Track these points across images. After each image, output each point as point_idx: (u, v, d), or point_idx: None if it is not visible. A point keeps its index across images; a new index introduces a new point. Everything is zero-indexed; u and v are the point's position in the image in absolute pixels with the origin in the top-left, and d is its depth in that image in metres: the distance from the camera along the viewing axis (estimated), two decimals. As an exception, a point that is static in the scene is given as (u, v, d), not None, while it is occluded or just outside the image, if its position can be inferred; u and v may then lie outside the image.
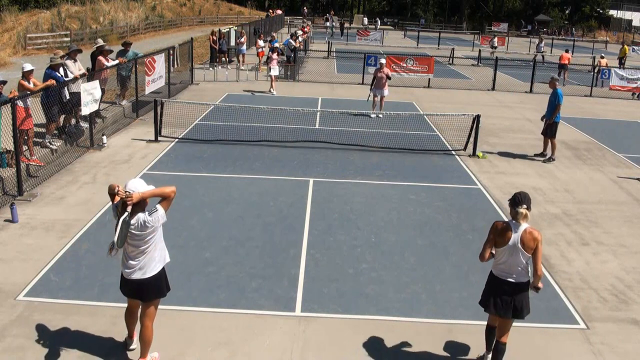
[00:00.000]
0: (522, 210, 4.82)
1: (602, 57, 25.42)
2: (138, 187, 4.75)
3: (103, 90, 13.70)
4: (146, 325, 4.99)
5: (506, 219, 8.90)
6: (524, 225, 4.86)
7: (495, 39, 37.46)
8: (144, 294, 4.93)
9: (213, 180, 10.16)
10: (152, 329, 5.02)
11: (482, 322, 6.03)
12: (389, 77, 15.94)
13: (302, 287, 6.60)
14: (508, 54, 37.32)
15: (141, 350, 5.07)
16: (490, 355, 5.29)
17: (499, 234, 4.92)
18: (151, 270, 4.87)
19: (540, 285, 4.94)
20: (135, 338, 5.31)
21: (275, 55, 19.33)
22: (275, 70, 19.29)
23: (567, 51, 25.91)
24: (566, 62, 25.10)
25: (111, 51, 13.88)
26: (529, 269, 4.96)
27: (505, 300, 4.94)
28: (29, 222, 8.03)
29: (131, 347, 5.32)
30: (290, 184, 10.11)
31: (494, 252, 5.03)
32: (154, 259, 4.88)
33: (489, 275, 5.17)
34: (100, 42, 13.87)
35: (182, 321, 5.79)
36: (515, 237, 4.83)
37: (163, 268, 5.00)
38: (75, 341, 5.40)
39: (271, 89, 19.05)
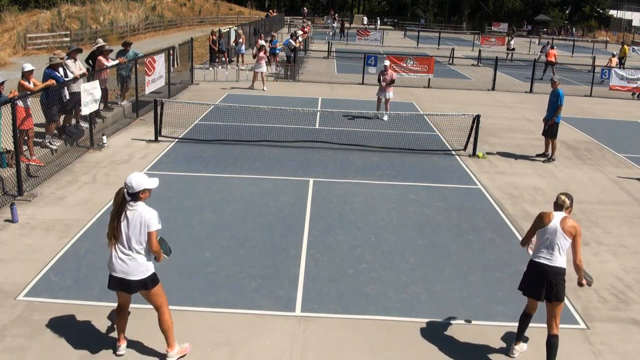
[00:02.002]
0: (562, 195, 5.32)
1: (613, 56, 25.97)
2: (139, 182, 4.75)
3: (106, 90, 13.74)
4: (160, 314, 5.01)
5: (507, 219, 8.94)
6: (563, 214, 5.26)
7: (512, 41, 36.51)
8: (133, 288, 4.93)
9: (213, 180, 10.16)
10: (166, 317, 5.02)
11: (482, 322, 6.06)
12: (392, 81, 15.58)
13: (302, 287, 6.60)
14: (506, 53, 37.29)
15: (166, 339, 5.11)
16: (517, 347, 5.53)
17: (540, 219, 5.29)
18: (136, 275, 4.86)
19: (583, 282, 5.32)
20: (123, 344, 5.22)
21: (262, 54, 19.41)
22: (262, 67, 19.41)
23: (552, 48, 27.29)
24: (552, 58, 25.39)
25: (111, 51, 13.89)
26: (565, 257, 5.21)
27: (540, 282, 5.22)
28: (29, 222, 8.03)
29: (120, 352, 5.20)
30: (290, 184, 10.11)
31: (534, 241, 5.39)
32: (139, 265, 4.85)
33: (528, 263, 5.42)
34: (101, 42, 13.85)
35: (182, 321, 5.78)
36: (555, 220, 5.20)
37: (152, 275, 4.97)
38: (75, 341, 5.39)
39: (263, 87, 19.51)
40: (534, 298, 5.36)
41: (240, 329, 5.74)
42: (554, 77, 13.01)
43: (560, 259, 5.18)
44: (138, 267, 4.83)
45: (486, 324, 6.05)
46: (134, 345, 5.36)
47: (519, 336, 5.56)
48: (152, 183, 4.87)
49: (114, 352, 5.24)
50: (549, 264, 5.17)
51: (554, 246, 5.17)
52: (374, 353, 5.48)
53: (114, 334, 5.47)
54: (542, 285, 5.19)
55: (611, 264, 7.67)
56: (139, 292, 4.99)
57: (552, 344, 5.23)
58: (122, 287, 4.92)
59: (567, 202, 5.29)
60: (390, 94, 15.73)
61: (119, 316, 5.19)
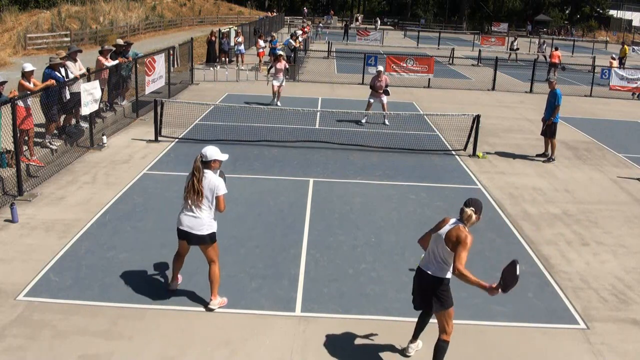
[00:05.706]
0: (468, 210, 4.80)
1: (613, 58, 25.98)
2: (212, 152, 5.71)
3: (124, 85, 13.92)
4: (211, 267, 5.92)
5: (507, 220, 8.94)
6: (459, 223, 4.84)
7: (516, 42, 35.79)
8: (193, 240, 5.86)
9: (213, 180, 10.14)
10: (216, 270, 5.92)
11: (482, 322, 6.06)
12: (386, 86, 14.65)
13: (302, 287, 6.60)
14: (507, 53, 37.29)
15: (210, 289, 5.99)
16: (412, 345, 5.41)
17: (438, 223, 5.04)
18: (200, 231, 5.77)
19: (485, 285, 4.66)
20: (177, 282, 6.27)
21: (279, 65, 16.51)
22: (279, 80, 16.63)
23: (556, 49, 27.12)
24: (556, 60, 25.39)
25: (111, 50, 13.90)
26: (450, 268, 4.85)
27: (425, 292, 4.99)
28: (29, 222, 8.03)
29: (174, 288, 6.23)
30: (290, 184, 10.11)
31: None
32: (204, 223, 5.76)
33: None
34: (120, 42, 14.26)
35: (182, 321, 5.79)
36: (446, 227, 4.86)
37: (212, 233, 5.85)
38: (75, 341, 5.40)
39: (277, 100, 16.79)
40: (419, 309, 5.25)
41: (240, 328, 5.74)
42: (551, 77, 13.02)
43: (441, 270, 4.89)
44: (202, 224, 5.75)
45: (486, 324, 6.05)
46: (134, 346, 5.36)
47: (415, 336, 5.44)
48: (223, 157, 5.83)
49: (168, 288, 6.26)
50: (430, 273, 4.91)
51: (436, 254, 4.89)
52: (374, 353, 5.48)
53: (114, 334, 5.49)
54: (429, 297, 4.94)
55: (611, 264, 7.67)
56: (198, 245, 5.86)
57: (439, 347, 5.05)
58: (186, 237, 5.89)
59: (473, 217, 4.79)
60: (385, 99, 14.86)
61: (178, 260, 6.20)
